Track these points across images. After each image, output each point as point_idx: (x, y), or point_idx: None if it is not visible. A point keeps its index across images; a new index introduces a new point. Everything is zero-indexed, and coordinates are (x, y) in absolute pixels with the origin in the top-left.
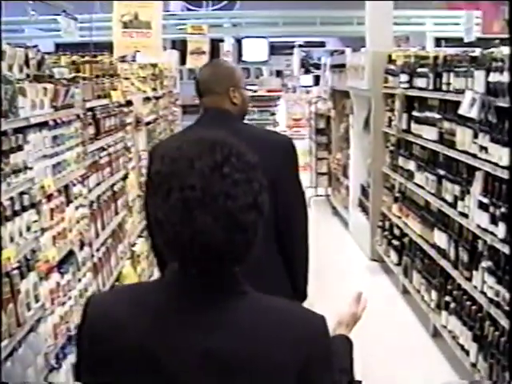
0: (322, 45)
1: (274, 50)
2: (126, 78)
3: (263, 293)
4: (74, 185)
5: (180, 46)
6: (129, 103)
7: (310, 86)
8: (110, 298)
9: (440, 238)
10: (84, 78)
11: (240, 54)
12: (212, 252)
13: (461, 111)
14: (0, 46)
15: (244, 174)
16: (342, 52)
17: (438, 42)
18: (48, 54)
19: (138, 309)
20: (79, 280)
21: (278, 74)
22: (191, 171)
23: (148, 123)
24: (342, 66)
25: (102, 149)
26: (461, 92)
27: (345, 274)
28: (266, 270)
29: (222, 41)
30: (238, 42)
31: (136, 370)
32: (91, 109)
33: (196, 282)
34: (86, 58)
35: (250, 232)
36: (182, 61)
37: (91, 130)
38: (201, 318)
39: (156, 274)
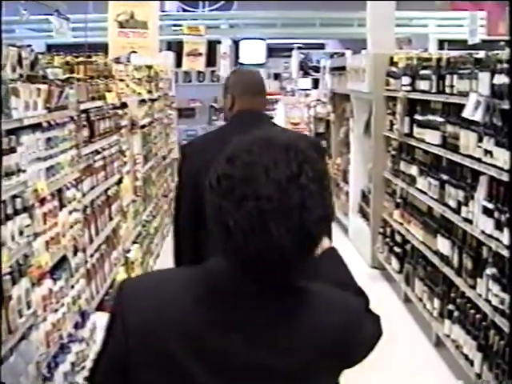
0: (321, 47)
1: (272, 52)
2: (121, 80)
3: None
4: (68, 188)
5: (176, 47)
6: (124, 105)
7: (308, 89)
8: (155, 291)
9: (443, 245)
10: (78, 79)
11: (237, 56)
12: (278, 263)
13: (465, 114)
14: (0, 47)
15: (317, 183)
16: (342, 54)
17: (441, 44)
18: (41, 53)
19: (191, 306)
20: (72, 286)
21: (276, 76)
22: (267, 180)
23: (143, 126)
24: (342, 68)
25: (97, 152)
26: (464, 94)
27: None
28: None
29: (219, 42)
30: (236, 43)
31: (185, 373)
32: (85, 111)
33: (252, 289)
34: (81, 59)
35: (317, 244)
36: (178, 63)
37: (85, 133)
38: (257, 327)
39: None
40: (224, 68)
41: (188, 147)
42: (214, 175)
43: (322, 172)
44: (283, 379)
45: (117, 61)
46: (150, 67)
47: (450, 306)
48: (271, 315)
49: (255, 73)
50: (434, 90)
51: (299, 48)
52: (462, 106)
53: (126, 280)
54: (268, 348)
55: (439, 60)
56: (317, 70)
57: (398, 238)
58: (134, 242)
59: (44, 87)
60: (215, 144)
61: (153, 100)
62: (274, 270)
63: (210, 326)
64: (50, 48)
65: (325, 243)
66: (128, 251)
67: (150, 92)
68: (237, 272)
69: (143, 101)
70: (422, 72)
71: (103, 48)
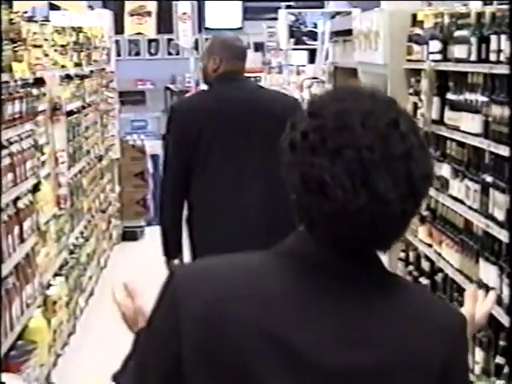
0: (319, 5)
1: (251, 12)
2: (36, 46)
3: None
4: None
5: (114, 6)
6: (40, 82)
7: (303, 65)
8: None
9: (487, 273)
10: None
11: (202, 19)
12: (383, 225)
13: None
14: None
15: (417, 137)
16: (348, 13)
17: None
18: None
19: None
20: None
21: (258, 47)
22: (364, 128)
23: (70, 113)
24: (348, 33)
25: (1, 146)
26: None
27: None
28: None
29: None
30: (199, 1)
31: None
32: None
33: (349, 268)
34: None
35: (419, 206)
36: (120, 28)
37: None
38: (349, 315)
39: (82, 330)
40: (184, 35)
41: (178, 107)
42: (296, 134)
43: (418, 127)
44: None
45: (29, 18)
46: (78, 30)
47: (499, 359)
48: (369, 305)
49: (240, 39)
50: (473, 58)
51: (288, 7)
52: None
53: (177, 269)
54: (365, 346)
55: (480, 15)
56: (313, 36)
57: (425, 265)
58: (57, 274)
59: None
60: (211, 103)
61: (83, 77)
62: (381, 235)
63: (299, 325)
64: None
65: None
66: (48, 286)
67: (78, 65)
68: (331, 252)
69: (69, 77)
70: (457, 33)
71: None
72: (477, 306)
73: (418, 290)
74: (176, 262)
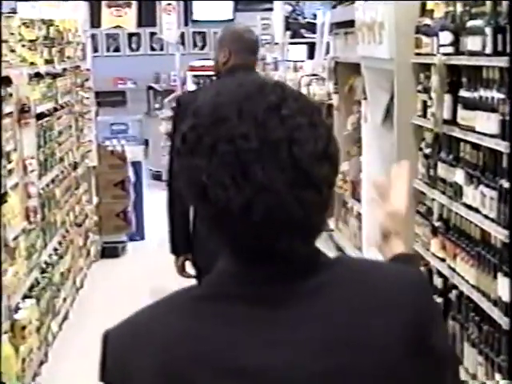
0: None
1: (243, 3)
2: (2, 41)
3: None
4: None
5: None
6: (6, 81)
7: (301, 61)
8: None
9: (507, 289)
10: None
11: (189, 10)
12: (279, 220)
13: None
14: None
15: (306, 117)
16: (352, 2)
17: None
18: None
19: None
20: None
21: None
22: (239, 118)
23: (40, 116)
24: (350, 24)
25: None
26: None
27: None
28: None
29: None
30: None
31: None
32: None
33: (260, 273)
34: None
35: (325, 191)
36: (97, 21)
37: None
38: (279, 320)
39: (56, 361)
40: (169, 28)
41: (183, 100)
42: (177, 138)
43: (314, 106)
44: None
45: None
46: (49, 23)
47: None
48: (300, 311)
49: (251, 31)
50: (488, 51)
51: None
52: None
53: (108, 332)
54: (311, 352)
55: (496, 3)
56: (312, 29)
57: (437, 282)
58: (27, 296)
59: None
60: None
61: (55, 75)
62: (274, 233)
63: (248, 350)
64: None
65: (396, 245)
66: (16, 310)
67: (49, 62)
68: (240, 261)
69: (39, 75)
70: (471, 23)
71: None
72: (392, 196)
73: (352, 263)
74: (181, 259)
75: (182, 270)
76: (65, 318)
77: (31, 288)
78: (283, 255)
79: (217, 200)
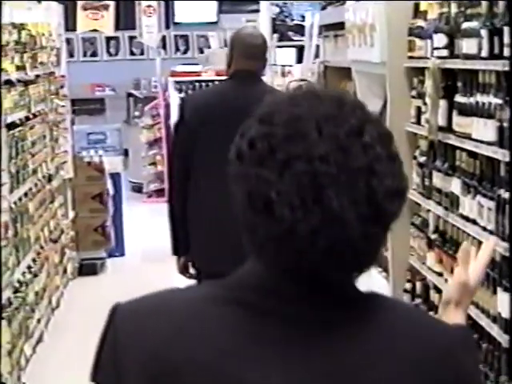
0: None
1: (228, 4)
2: None
3: None
4: None
5: None
6: None
7: (289, 66)
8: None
9: (506, 305)
10: None
11: (170, 13)
12: (341, 252)
13: None
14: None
15: (385, 148)
16: (342, 3)
17: None
18: None
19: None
20: None
21: None
22: (320, 136)
23: (12, 125)
24: (340, 26)
25: None
26: None
27: None
28: None
29: None
30: None
31: None
32: None
33: (297, 293)
34: None
35: (387, 229)
36: (72, 23)
37: None
38: (316, 350)
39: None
40: (149, 31)
41: (188, 100)
42: (242, 142)
43: (390, 136)
44: None
45: None
46: (20, 27)
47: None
48: (334, 338)
49: (259, 36)
50: (484, 54)
51: None
52: None
53: (119, 304)
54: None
55: (492, 4)
56: (301, 31)
57: (434, 298)
58: None
59: None
60: (215, 99)
61: (27, 82)
62: (338, 265)
63: (249, 363)
64: None
65: (456, 315)
66: None
67: (21, 68)
68: (280, 278)
69: (10, 83)
70: (466, 25)
71: None
72: (470, 266)
73: (400, 309)
74: (183, 260)
75: (184, 271)
76: (39, 340)
77: (3, 309)
78: (332, 284)
79: (282, 219)
